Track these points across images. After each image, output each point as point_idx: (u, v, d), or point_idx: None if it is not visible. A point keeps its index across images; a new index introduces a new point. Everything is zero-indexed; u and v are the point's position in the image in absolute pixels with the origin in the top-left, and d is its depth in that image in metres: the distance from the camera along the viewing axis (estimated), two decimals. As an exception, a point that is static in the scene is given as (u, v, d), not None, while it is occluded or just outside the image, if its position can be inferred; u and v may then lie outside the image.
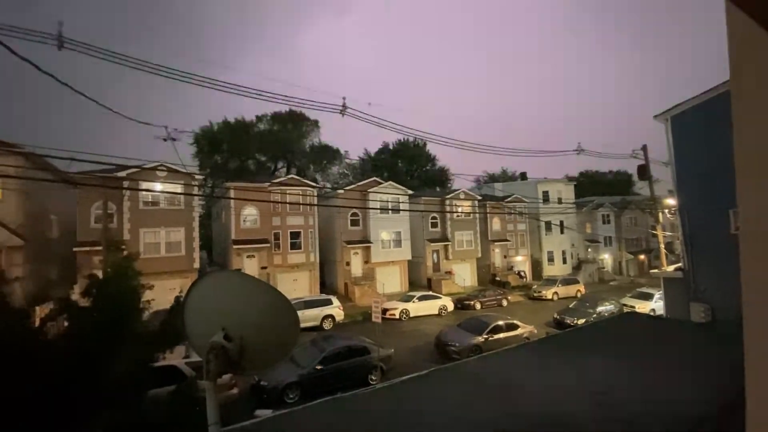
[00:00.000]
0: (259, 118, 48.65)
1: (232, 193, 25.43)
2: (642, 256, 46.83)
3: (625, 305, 22.40)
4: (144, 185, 21.36)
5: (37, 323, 6.10)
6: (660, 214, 20.59)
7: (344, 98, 10.03)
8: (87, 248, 19.84)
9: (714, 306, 8.57)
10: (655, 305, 21.13)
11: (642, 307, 21.48)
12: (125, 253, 7.65)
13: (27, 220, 18.27)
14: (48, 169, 19.14)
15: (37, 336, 5.89)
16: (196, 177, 25.55)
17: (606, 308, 21.63)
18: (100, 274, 8.00)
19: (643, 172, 17.16)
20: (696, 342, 5.16)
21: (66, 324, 6.42)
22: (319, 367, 12.44)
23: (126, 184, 20.66)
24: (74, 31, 6.73)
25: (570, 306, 23.07)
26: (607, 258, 44.95)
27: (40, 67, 5.01)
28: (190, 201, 23.34)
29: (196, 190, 24.97)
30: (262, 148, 46.85)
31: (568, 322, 20.11)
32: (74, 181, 16.43)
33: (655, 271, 12.49)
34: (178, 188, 22.62)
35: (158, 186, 22.13)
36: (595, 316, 20.26)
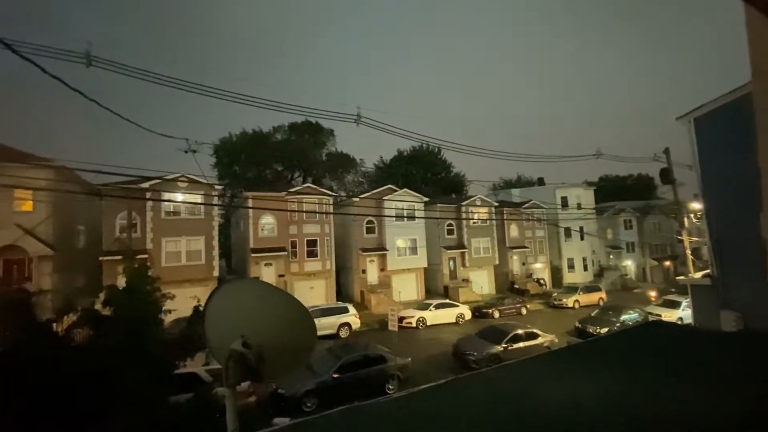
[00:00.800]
0: (276, 129, 49.63)
1: (250, 203, 25.91)
2: (667, 263, 45.22)
3: (650, 314, 21.63)
4: (166, 196, 21.99)
5: (63, 331, 6.31)
6: (685, 219, 19.89)
7: (359, 107, 10.15)
8: (112, 257, 20.47)
9: (746, 314, 8.18)
10: (683, 314, 20.32)
11: (669, 315, 20.69)
12: (143, 262, 7.82)
13: (56, 230, 19.04)
14: (76, 182, 19.97)
15: (63, 343, 6.09)
16: (216, 187, 26.20)
17: (630, 317, 20.93)
18: (123, 282, 8.23)
19: (666, 175, 16.67)
20: (727, 352, 4.93)
21: (90, 332, 6.63)
22: (336, 376, 12.42)
23: (149, 194, 21.32)
24: (101, 48, 7.03)
25: (592, 314, 22.43)
26: (630, 264, 43.60)
27: (69, 85, 5.26)
28: (209, 210, 23.89)
29: (215, 200, 25.56)
30: (279, 158, 47.65)
31: (591, 331, 19.52)
32: (100, 192, 17.06)
33: (682, 277, 12.03)
34: (199, 198, 23.20)
35: (179, 196, 22.75)
36: (618, 325, 19.63)
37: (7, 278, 18.08)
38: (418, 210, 30.81)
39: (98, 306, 7.41)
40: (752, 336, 6.48)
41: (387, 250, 29.70)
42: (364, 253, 29.32)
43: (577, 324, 21.15)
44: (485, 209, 35.10)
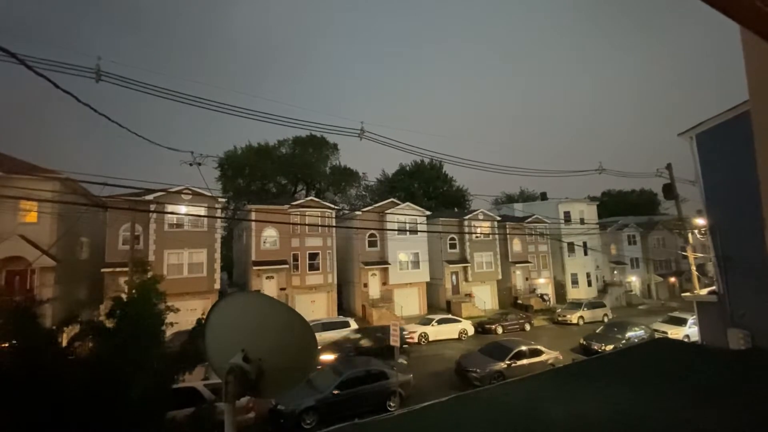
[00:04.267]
0: (281, 143, 50.15)
1: (253, 215, 25.98)
2: (672, 279, 44.75)
3: (656, 331, 21.30)
4: (170, 208, 22.11)
5: (64, 342, 6.27)
6: (690, 235, 19.76)
7: (362, 122, 10.27)
8: (114, 269, 20.49)
9: (754, 332, 8.04)
10: (690, 331, 20.01)
11: (675, 332, 20.36)
12: (150, 274, 7.80)
13: (59, 241, 19.09)
14: (81, 193, 20.15)
15: (64, 356, 6.04)
16: (219, 200, 26.30)
17: (636, 334, 20.61)
18: (125, 294, 8.21)
19: (669, 191, 16.65)
20: (735, 371, 4.83)
21: (91, 344, 6.59)
22: (336, 392, 12.22)
23: (153, 207, 21.44)
24: (108, 63, 7.19)
25: (597, 331, 22.11)
26: (634, 280, 43.15)
27: (80, 99, 5.36)
28: (212, 223, 23.96)
29: (218, 213, 25.64)
30: (283, 171, 48.01)
31: (596, 348, 19.23)
32: (105, 204, 17.17)
33: (688, 294, 11.89)
34: (202, 211, 23.30)
35: (183, 209, 22.86)
36: (624, 342, 19.32)
37: (9, 289, 18.07)
38: (420, 224, 30.77)
39: (101, 317, 7.39)
40: (760, 354, 6.36)
41: (389, 264, 29.56)
42: (366, 267, 29.20)
43: (581, 341, 20.85)
44: (488, 223, 35.02)
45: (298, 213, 27.20)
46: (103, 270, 20.96)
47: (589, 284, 38.79)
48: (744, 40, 0.93)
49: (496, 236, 34.97)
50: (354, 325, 21.91)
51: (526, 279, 36.87)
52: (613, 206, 59.04)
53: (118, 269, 20.14)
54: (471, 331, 24.55)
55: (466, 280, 33.50)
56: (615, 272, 42.52)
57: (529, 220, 37.58)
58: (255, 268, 25.48)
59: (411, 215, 30.49)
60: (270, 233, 26.35)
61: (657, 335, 19.84)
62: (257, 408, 11.57)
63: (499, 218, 36.76)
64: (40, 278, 18.52)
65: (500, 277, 34.80)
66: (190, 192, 22.69)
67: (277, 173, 47.96)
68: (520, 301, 34.18)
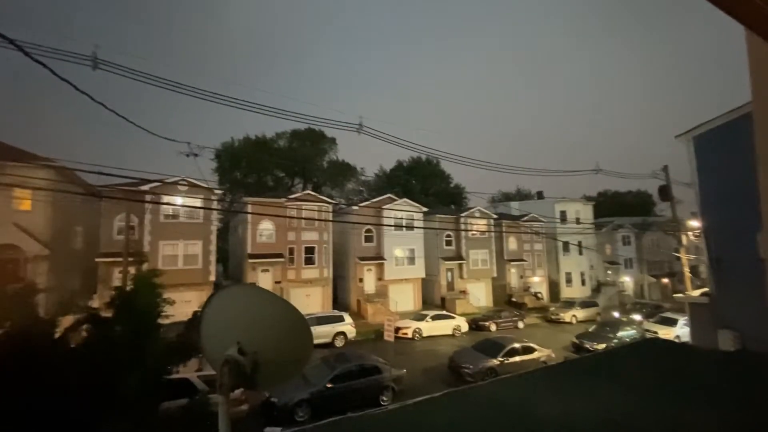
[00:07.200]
0: (279, 135, 49.87)
1: (249, 208, 25.87)
2: (665, 280, 45.15)
3: (647, 330, 21.54)
4: (165, 199, 21.97)
5: (59, 333, 6.24)
6: (684, 237, 19.91)
7: (361, 117, 10.23)
8: (109, 259, 20.39)
9: (744, 334, 8.14)
10: (680, 331, 20.24)
11: (666, 333, 20.59)
12: (148, 266, 7.82)
13: (54, 231, 18.95)
14: (76, 182, 19.97)
15: (58, 345, 6.02)
16: (216, 191, 26.15)
17: (628, 333, 20.83)
18: (120, 284, 8.18)
19: (665, 193, 16.75)
20: (724, 372, 4.90)
21: (86, 334, 6.56)
22: (330, 386, 12.28)
23: (149, 197, 21.29)
24: (104, 51, 7.09)
25: (589, 330, 22.32)
26: (628, 281, 43.51)
27: (77, 87, 5.29)
28: (208, 215, 23.83)
29: (215, 205, 25.51)
30: (280, 165, 47.80)
31: (588, 346, 19.42)
32: (100, 194, 17.03)
33: (680, 295, 12.02)
34: (198, 202, 23.15)
35: (179, 200, 22.71)
36: (616, 341, 19.51)
37: (2, 277, 17.94)
38: (417, 220, 30.81)
39: (93, 305, 7.36)
40: (750, 356, 6.44)
41: (385, 260, 29.61)
42: (362, 262, 29.23)
43: (574, 339, 21.04)
44: (484, 221, 35.11)
45: (295, 206, 27.12)
46: (97, 260, 20.82)
47: (583, 283, 39.09)
48: (749, 43, 0.93)
49: (492, 234, 35.08)
50: (349, 320, 21.96)
51: (521, 277, 37.08)
52: (609, 207, 59.37)
53: (112, 259, 20.04)
54: (465, 327, 24.70)
55: (461, 277, 33.63)
56: (609, 272, 42.86)
57: (525, 218, 37.71)
58: (251, 260, 25.42)
59: (408, 211, 30.49)
60: (266, 226, 26.29)
61: (648, 335, 20.06)
62: (250, 400, 11.61)
63: (495, 216, 36.85)
64: (33, 267, 18.39)
65: (495, 274, 34.97)
66: (186, 183, 22.55)
67: (275, 166, 47.75)
68: (514, 299, 34.40)
